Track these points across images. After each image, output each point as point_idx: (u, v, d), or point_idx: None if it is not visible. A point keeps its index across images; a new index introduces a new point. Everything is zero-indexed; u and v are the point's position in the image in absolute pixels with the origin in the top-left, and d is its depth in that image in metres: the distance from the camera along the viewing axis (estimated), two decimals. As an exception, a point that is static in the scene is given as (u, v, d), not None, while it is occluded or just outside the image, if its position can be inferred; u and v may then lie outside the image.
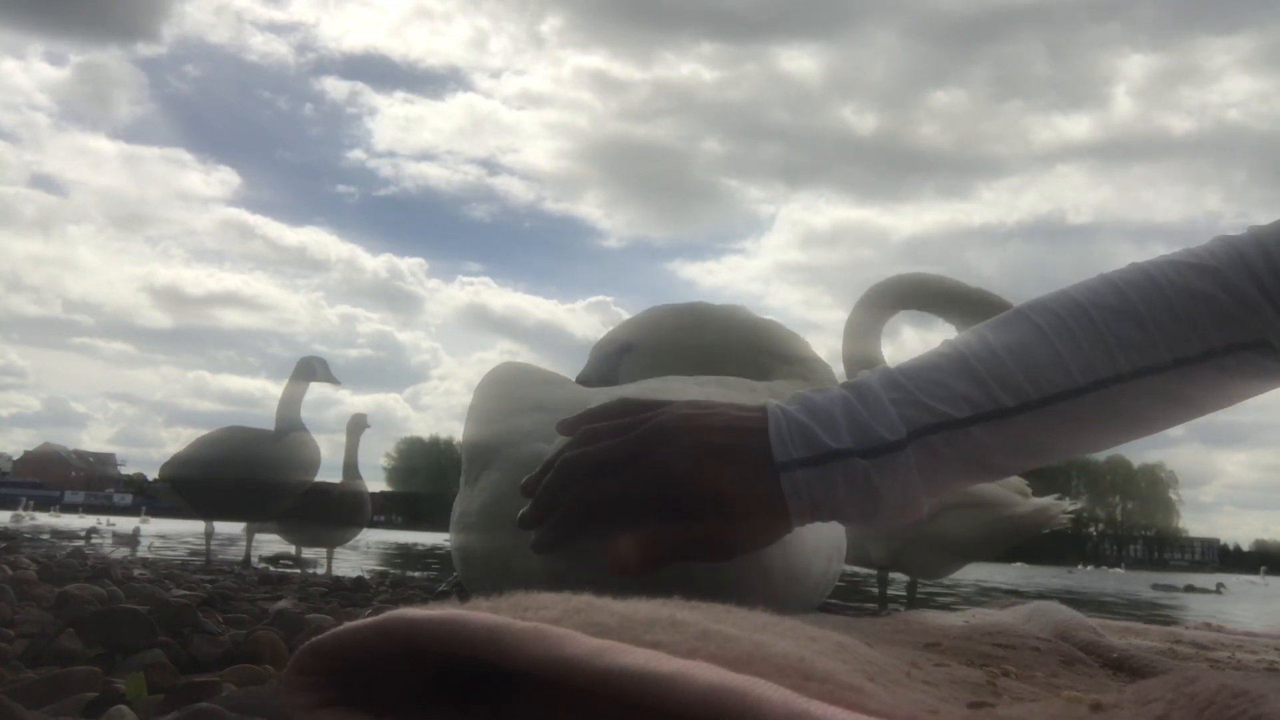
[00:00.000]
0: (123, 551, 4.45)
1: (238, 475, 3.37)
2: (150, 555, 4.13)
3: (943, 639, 0.75)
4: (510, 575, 0.78)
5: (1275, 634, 1.41)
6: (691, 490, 0.72)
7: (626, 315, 1.28)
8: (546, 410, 1.00)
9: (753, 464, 0.72)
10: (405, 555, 7.75)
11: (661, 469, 0.72)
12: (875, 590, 2.00)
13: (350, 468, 4.13)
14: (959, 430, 0.74)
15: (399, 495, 75.41)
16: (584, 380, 1.20)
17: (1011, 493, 1.79)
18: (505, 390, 1.11)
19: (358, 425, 4.30)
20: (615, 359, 1.20)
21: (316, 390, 3.79)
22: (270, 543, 5.00)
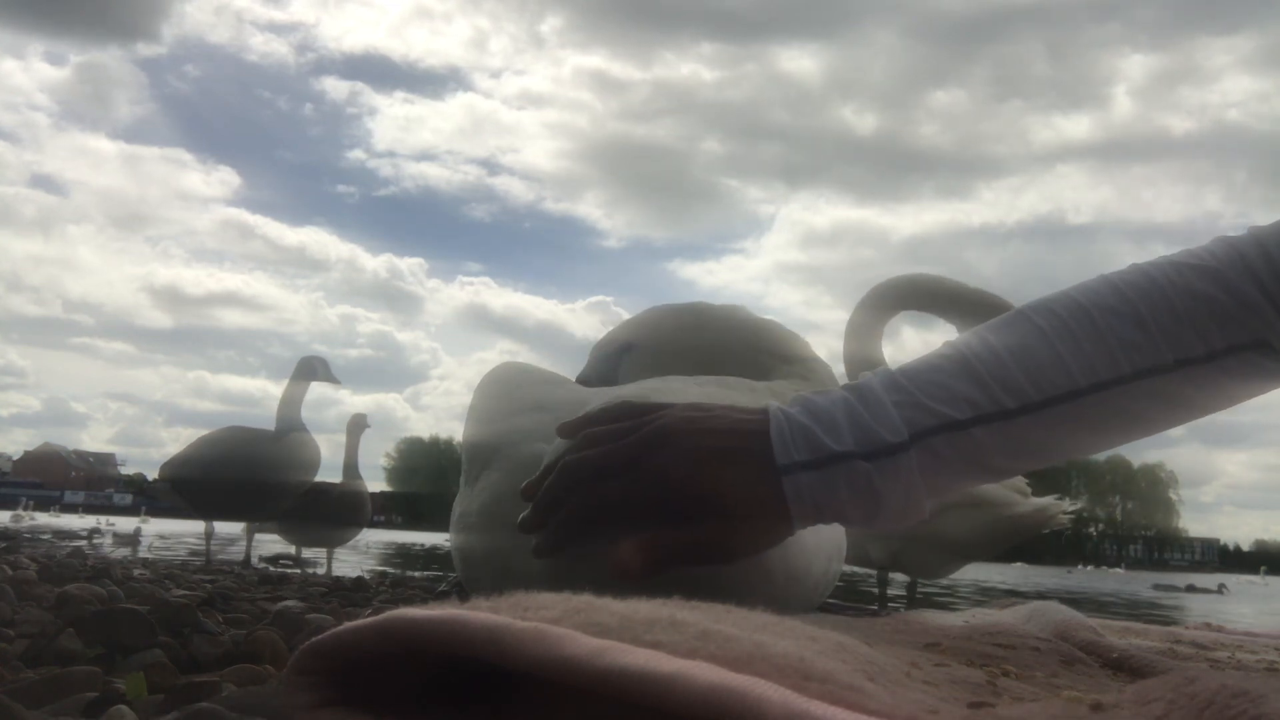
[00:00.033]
0: (123, 551, 4.46)
1: (238, 475, 3.37)
2: (150, 555, 4.13)
3: (943, 639, 0.75)
4: (510, 575, 0.78)
5: (1275, 634, 1.41)
6: (693, 493, 0.71)
7: (626, 315, 1.28)
8: (546, 410, 1.00)
9: (754, 467, 0.72)
10: (405, 555, 7.74)
11: (662, 472, 0.72)
12: (875, 590, 2.00)
13: (350, 468, 4.13)
14: (961, 432, 0.74)
15: (399, 495, 75.41)
16: (584, 380, 1.20)
17: (1011, 493, 1.79)
18: (505, 390, 1.11)
19: (358, 425, 4.30)
20: (615, 359, 1.20)
21: (316, 390, 3.79)
22: (270, 543, 4.99)
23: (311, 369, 3.69)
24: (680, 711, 0.38)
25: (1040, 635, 0.84)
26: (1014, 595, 2.61)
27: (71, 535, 6.21)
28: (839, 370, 1.19)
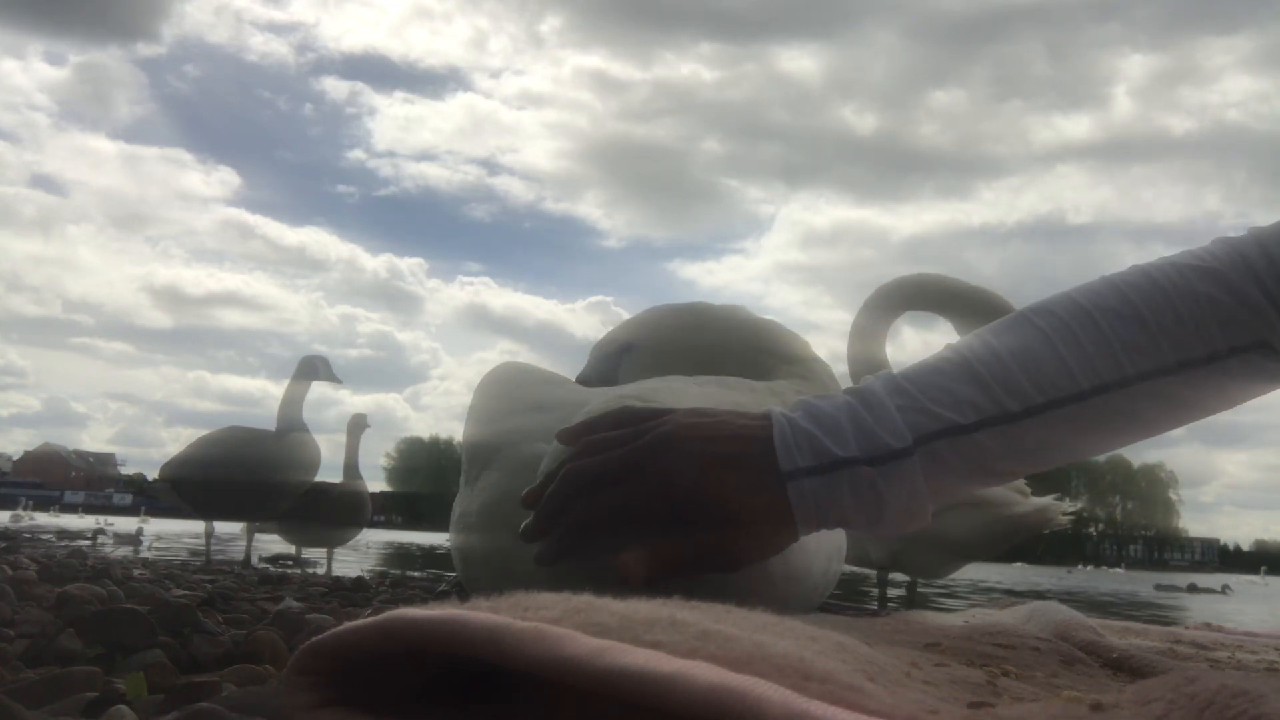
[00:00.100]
0: (124, 551, 4.46)
1: (238, 475, 3.37)
2: (150, 555, 4.13)
3: (943, 639, 0.75)
4: (510, 575, 0.78)
5: (1275, 634, 1.41)
6: (697, 500, 0.71)
7: (626, 315, 1.28)
8: (546, 410, 1.00)
9: (758, 473, 0.72)
10: (405, 555, 7.75)
11: (666, 479, 0.71)
12: (875, 590, 2.00)
13: (350, 468, 4.13)
14: (964, 436, 0.74)
15: (399, 495, 75.43)
16: (584, 380, 1.20)
17: (1011, 493, 1.79)
18: (505, 390, 1.12)
19: (358, 425, 4.30)
20: (615, 359, 1.20)
21: (317, 390, 3.78)
22: (270, 543, 5.00)
23: (313, 368, 3.70)
24: (680, 711, 0.38)
25: (1040, 635, 0.84)
26: (1014, 595, 2.61)
27: (75, 535, 6.22)
28: (839, 370, 1.19)
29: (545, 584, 0.58)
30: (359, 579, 2.58)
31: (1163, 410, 0.79)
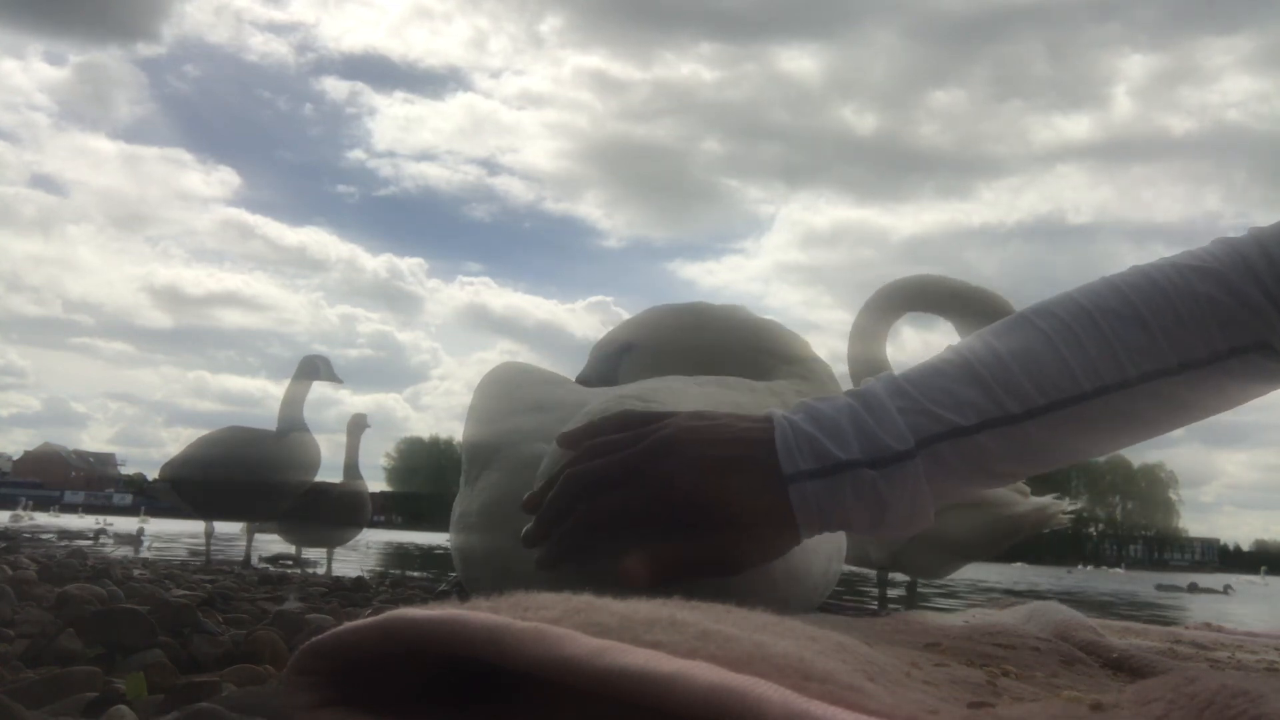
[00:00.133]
0: (124, 551, 4.46)
1: (238, 475, 3.37)
2: (150, 555, 4.13)
3: (943, 639, 0.75)
4: (510, 575, 0.78)
5: (1275, 634, 1.41)
6: (698, 503, 0.71)
7: (626, 315, 1.28)
8: (546, 410, 1.00)
9: (760, 476, 0.72)
10: (405, 555, 7.74)
11: (667, 482, 0.71)
12: (875, 590, 2.00)
13: (350, 468, 4.13)
14: (966, 438, 0.73)
15: (399, 495, 75.44)
16: (584, 380, 1.20)
17: (1011, 492, 1.79)
18: (505, 390, 1.11)
19: (358, 425, 4.30)
20: (615, 359, 1.20)
21: (317, 390, 3.78)
22: (270, 543, 5.00)
23: (314, 368, 3.70)
24: (680, 711, 0.38)
25: (1040, 635, 0.84)
26: (1013, 595, 2.61)
27: (78, 535, 6.22)
28: (839, 370, 1.19)
29: (545, 584, 0.58)
30: (359, 579, 2.58)
31: (1164, 411, 0.78)
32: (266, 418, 3.64)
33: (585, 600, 0.49)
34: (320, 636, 0.46)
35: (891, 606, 1.80)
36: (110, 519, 13.47)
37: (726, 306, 1.20)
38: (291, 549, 4.36)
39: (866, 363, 1.81)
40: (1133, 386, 0.75)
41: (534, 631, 0.42)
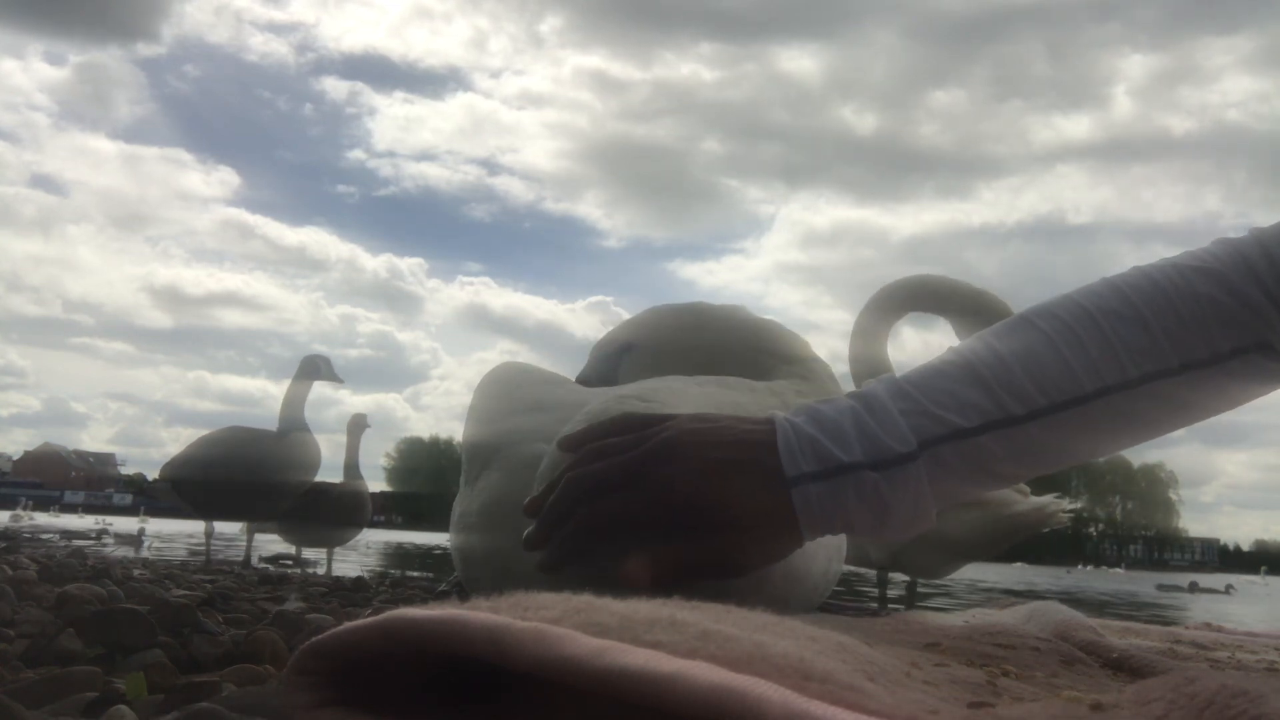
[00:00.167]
0: (124, 551, 4.46)
1: (238, 475, 3.37)
2: (150, 555, 4.13)
3: (943, 639, 0.75)
4: (510, 575, 0.78)
5: (1275, 634, 1.41)
6: (700, 506, 0.71)
7: (626, 315, 1.28)
8: (546, 410, 1.00)
9: (762, 478, 0.71)
10: (405, 555, 7.74)
11: (669, 485, 0.71)
12: (875, 590, 2.00)
13: (350, 468, 4.13)
14: (969, 440, 0.73)
15: (399, 495, 75.46)
16: (584, 380, 1.20)
17: (1011, 492, 1.79)
18: (505, 390, 1.11)
19: (358, 425, 4.30)
20: (615, 359, 1.20)
21: (317, 390, 3.79)
22: (270, 543, 5.00)
23: (315, 368, 3.70)
24: (680, 711, 0.38)
25: (1040, 635, 0.84)
26: (1013, 595, 2.61)
27: (79, 535, 6.22)
28: (839, 370, 1.19)
29: (545, 584, 0.57)
30: (359, 579, 2.58)
31: (1165, 412, 0.78)
32: (267, 418, 3.66)
33: (585, 600, 0.49)
34: (320, 636, 0.46)
35: (891, 606, 1.80)
36: (110, 519, 13.48)
37: (726, 306, 1.20)
38: (291, 549, 4.37)
39: (867, 362, 1.81)
40: (1134, 387, 0.75)
41: (534, 631, 0.42)
